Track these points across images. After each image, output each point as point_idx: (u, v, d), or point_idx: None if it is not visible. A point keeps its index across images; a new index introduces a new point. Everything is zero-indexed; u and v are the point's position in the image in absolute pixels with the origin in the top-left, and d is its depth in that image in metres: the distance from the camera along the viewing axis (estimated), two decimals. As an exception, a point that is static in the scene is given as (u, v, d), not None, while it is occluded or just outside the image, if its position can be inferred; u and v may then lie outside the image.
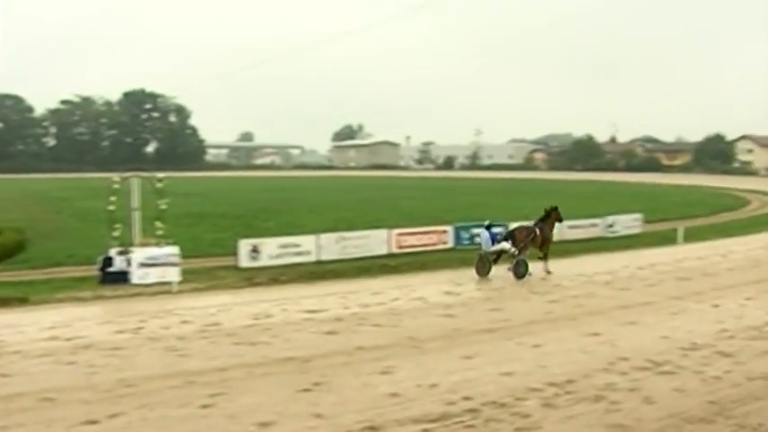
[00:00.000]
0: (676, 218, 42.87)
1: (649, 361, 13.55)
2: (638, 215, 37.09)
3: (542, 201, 31.40)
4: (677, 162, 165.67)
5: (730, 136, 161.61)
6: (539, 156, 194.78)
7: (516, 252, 23.75)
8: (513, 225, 26.07)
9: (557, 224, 25.44)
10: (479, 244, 24.99)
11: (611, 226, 34.65)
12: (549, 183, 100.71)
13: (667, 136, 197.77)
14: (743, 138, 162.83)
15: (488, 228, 24.92)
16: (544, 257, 24.61)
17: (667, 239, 33.62)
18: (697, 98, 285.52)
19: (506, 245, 24.01)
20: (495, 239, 24.37)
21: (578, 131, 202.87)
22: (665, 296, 20.36)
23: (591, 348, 14.49)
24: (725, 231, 38.02)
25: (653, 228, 37.58)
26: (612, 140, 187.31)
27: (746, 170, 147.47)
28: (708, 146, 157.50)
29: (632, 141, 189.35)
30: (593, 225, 34.34)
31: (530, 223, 25.19)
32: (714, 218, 46.55)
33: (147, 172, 26.25)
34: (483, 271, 23.76)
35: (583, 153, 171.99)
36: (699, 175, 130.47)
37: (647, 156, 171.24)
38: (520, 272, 23.29)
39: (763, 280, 23.38)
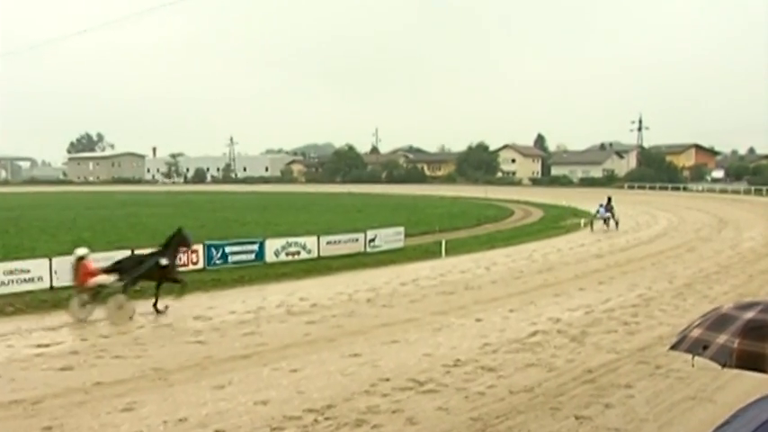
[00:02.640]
0: (440, 230, 44.72)
1: (412, 380, 14.04)
2: (400, 229, 38.33)
3: (300, 215, 31.70)
4: (441, 173, 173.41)
5: (493, 146, 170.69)
6: (297, 167, 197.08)
7: (610, 216, 49.51)
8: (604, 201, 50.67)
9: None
10: (596, 214, 49.92)
11: (372, 240, 35.55)
12: (307, 196, 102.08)
13: (431, 146, 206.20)
14: (505, 147, 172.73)
15: (602, 206, 49.72)
16: (616, 223, 49.69)
17: (430, 253, 35.02)
18: (461, 108, 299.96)
19: (608, 214, 49.41)
20: (608, 210, 49.63)
21: (339, 141, 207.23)
22: (428, 312, 21.18)
23: (351, 370, 14.82)
24: (488, 243, 40.13)
25: (416, 241, 39.06)
26: (374, 151, 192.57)
27: (510, 180, 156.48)
28: (471, 155, 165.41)
29: (395, 152, 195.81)
30: (354, 240, 35.08)
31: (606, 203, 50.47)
32: (478, 229, 49.06)
33: None
34: (592, 228, 48.52)
35: (344, 164, 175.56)
36: (462, 185, 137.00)
37: (410, 166, 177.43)
38: (618, 224, 49.54)
39: (525, 291, 24.89)
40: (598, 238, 43.13)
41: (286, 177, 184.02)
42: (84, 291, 20.24)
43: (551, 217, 60.45)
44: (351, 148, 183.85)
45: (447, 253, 34.58)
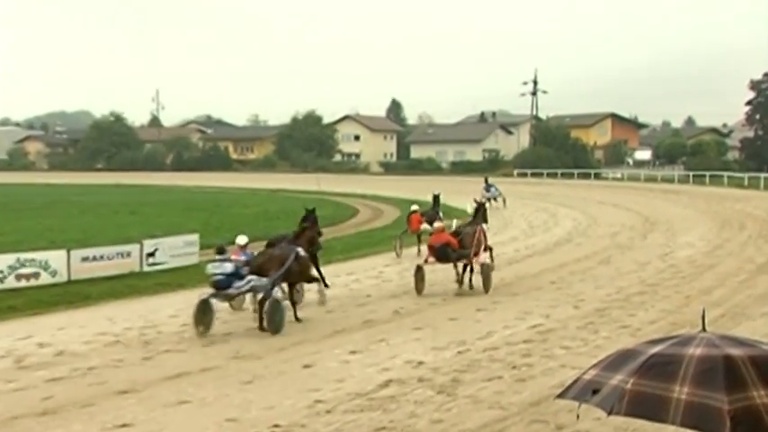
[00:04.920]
0: (253, 239, 44.54)
1: (208, 458, 13.88)
2: (193, 237, 38.06)
3: (40, 219, 30.94)
4: (254, 155, 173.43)
5: (329, 117, 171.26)
6: (34, 146, 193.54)
7: (499, 194, 71.44)
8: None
9: None
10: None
11: (152, 255, 35.07)
12: (52, 189, 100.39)
13: (238, 118, 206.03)
14: (346, 119, 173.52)
15: (487, 187, 69.99)
16: (504, 200, 71.39)
17: (238, 272, 34.78)
18: (279, 66, 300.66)
19: (497, 192, 70.82)
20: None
21: (101, 109, 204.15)
22: (233, 356, 21.06)
23: (117, 449, 14.53)
24: (322, 256, 40.10)
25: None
26: (155, 123, 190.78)
27: (353, 165, 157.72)
28: (297, 131, 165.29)
29: (186, 125, 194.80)
30: (124, 255, 34.61)
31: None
32: (306, 236, 49.03)
33: None
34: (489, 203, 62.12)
35: (108, 142, 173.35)
36: (285, 173, 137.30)
37: (208, 146, 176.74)
38: (505, 202, 71.34)
39: (372, 323, 25.20)
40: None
41: (17, 162, 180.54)
42: (415, 234, 41.59)
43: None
44: (118, 119, 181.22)
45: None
